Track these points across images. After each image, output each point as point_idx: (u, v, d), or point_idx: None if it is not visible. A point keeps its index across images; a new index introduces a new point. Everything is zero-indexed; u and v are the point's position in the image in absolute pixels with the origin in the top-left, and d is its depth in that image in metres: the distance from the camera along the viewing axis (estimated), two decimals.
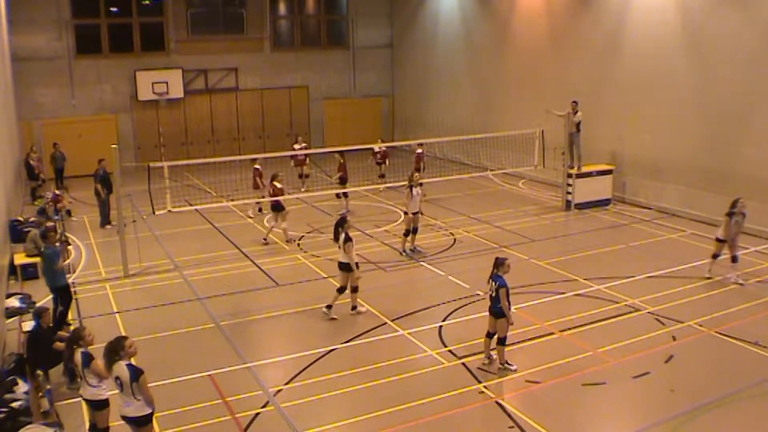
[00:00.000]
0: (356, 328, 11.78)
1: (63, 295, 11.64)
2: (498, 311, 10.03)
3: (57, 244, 11.93)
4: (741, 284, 13.40)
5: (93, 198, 19.35)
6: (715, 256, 13.78)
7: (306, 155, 22.65)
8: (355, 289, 12.35)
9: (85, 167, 22.00)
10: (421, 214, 16.54)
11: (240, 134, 29.93)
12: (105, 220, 18.88)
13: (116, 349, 7.62)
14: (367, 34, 31.77)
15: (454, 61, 28.04)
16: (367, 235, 17.54)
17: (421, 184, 16.37)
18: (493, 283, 10.00)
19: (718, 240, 13.70)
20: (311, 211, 20.24)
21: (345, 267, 12.15)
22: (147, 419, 7.67)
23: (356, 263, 12.16)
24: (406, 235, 15.90)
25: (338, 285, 12.41)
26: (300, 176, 22.97)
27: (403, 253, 15.77)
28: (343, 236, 12.00)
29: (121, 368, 7.52)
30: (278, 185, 16.77)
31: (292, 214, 19.71)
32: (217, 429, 8.87)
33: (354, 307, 12.50)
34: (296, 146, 23.07)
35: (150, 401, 7.62)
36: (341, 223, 12.22)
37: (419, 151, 21.91)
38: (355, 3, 31.42)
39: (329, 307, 12.35)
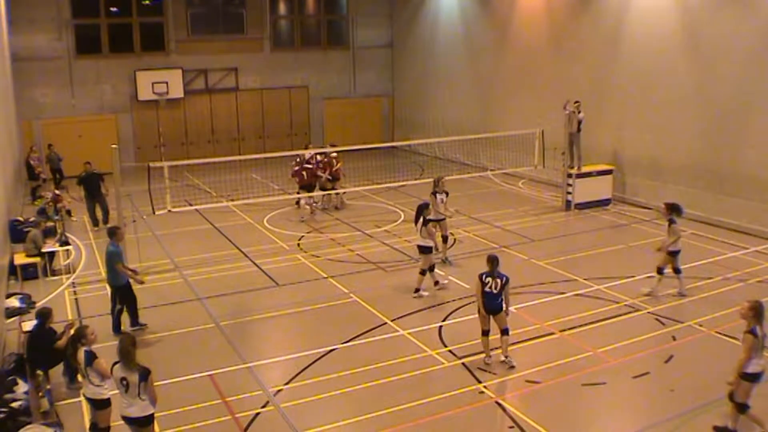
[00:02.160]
0: (356, 328, 11.78)
1: (123, 294, 11.75)
2: (499, 306, 10.02)
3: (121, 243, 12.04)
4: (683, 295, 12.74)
5: None
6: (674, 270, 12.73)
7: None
8: (432, 268, 13.32)
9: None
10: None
11: (240, 134, 29.93)
12: (95, 220, 18.66)
13: (133, 342, 7.72)
14: (367, 34, 31.76)
15: (454, 61, 28.04)
16: (368, 235, 17.54)
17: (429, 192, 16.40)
18: (498, 280, 9.93)
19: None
20: None
21: (424, 250, 13.13)
22: (150, 419, 7.72)
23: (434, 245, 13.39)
24: (444, 241, 15.13)
25: (419, 269, 13.36)
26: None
27: (446, 261, 15.08)
28: (421, 220, 13.06)
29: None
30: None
31: (293, 214, 19.74)
32: (217, 429, 8.87)
33: (437, 282, 13.39)
34: (306, 154, 20.04)
35: (155, 400, 7.70)
36: (424, 207, 13.30)
37: (334, 154, 19.81)
38: (355, 3, 31.42)
39: (417, 290, 13.22)
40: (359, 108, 31.88)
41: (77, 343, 8.15)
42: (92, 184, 18.54)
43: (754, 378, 8.03)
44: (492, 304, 10.05)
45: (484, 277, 10.02)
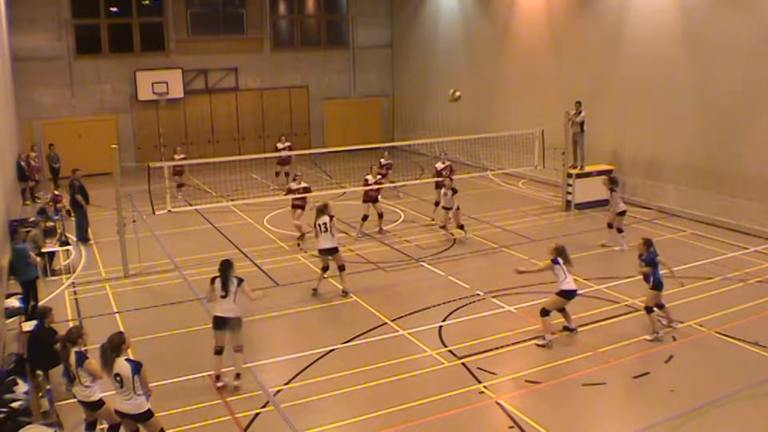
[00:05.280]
0: (356, 328, 11.77)
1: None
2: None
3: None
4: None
5: (94, 198, 19.11)
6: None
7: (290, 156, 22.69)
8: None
9: (86, 167, 21.88)
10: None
11: (240, 134, 29.93)
12: (86, 235, 17.64)
13: (119, 344, 7.70)
14: (367, 34, 31.77)
15: (454, 61, 28.04)
16: (368, 235, 17.52)
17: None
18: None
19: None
20: (311, 211, 20.19)
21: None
22: (148, 415, 7.76)
23: None
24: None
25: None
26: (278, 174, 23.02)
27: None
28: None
29: (120, 364, 7.57)
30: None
31: (291, 213, 19.73)
32: (217, 429, 8.88)
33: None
34: (279, 145, 23.22)
35: (149, 393, 7.81)
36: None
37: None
38: (355, 3, 31.42)
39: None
40: (359, 108, 31.89)
41: (69, 345, 8.10)
42: (70, 194, 17.58)
43: None
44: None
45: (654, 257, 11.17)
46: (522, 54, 24.34)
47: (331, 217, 13.01)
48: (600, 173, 19.75)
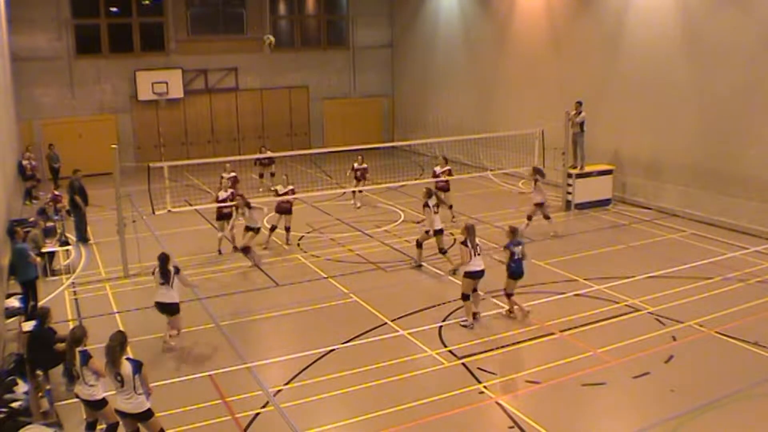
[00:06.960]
0: (356, 328, 11.78)
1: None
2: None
3: None
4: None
5: (94, 198, 19.10)
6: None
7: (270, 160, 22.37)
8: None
9: (85, 167, 21.87)
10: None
11: (240, 134, 29.93)
12: (85, 235, 17.61)
13: (123, 342, 7.74)
14: (367, 34, 31.77)
15: (454, 61, 28.05)
16: (368, 235, 17.53)
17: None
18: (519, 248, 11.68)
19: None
20: (311, 211, 20.23)
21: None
22: (148, 414, 7.79)
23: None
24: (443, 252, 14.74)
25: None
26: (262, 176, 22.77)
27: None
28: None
29: (122, 363, 7.61)
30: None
31: (294, 213, 19.72)
32: (217, 429, 8.87)
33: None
34: (260, 155, 22.39)
35: (150, 392, 7.86)
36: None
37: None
38: (355, 3, 31.43)
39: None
40: (359, 108, 31.89)
41: (74, 346, 8.10)
42: (85, 194, 17.65)
43: None
44: (520, 269, 11.68)
45: (512, 246, 11.62)
46: (522, 54, 24.33)
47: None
48: (600, 173, 19.80)
